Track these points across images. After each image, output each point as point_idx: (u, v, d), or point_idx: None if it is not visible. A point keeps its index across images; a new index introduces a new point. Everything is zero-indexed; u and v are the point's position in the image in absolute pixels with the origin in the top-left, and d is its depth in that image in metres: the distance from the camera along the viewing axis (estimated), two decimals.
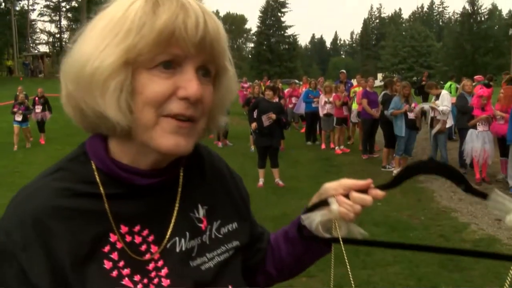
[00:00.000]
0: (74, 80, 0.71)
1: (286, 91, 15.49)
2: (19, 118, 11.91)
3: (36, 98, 13.00)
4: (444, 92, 8.91)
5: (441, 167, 0.81)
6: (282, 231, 1.02)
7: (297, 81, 20.11)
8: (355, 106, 11.29)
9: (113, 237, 0.73)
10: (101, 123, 0.72)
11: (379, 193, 0.84)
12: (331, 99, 11.11)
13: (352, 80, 14.83)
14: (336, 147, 11.21)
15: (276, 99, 8.40)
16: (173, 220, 0.80)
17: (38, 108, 12.81)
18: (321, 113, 11.43)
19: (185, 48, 0.69)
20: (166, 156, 0.75)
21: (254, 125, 7.62)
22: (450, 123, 8.58)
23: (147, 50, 0.67)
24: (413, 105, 8.51)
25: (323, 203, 0.87)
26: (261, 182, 7.69)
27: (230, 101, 0.83)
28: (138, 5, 0.69)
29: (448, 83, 14.03)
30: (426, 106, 8.66)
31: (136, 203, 0.77)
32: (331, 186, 0.88)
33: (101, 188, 0.74)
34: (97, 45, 0.69)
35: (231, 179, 0.96)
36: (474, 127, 7.82)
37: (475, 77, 13.01)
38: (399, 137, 8.57)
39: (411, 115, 8.48)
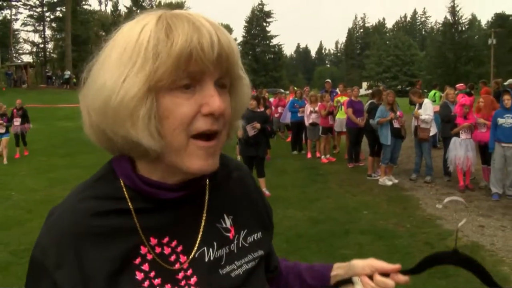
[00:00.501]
0: (99, 112, 0.72)
1: (272, 100, 15.53)
2: (2, 130, 11.49)
3: (15, 110, 12.26)
4: (426, 101, 9.01)
5: (466, 261, 0.84)
6: (295, 266, 1.05)
7: (282, 90, 20.23)
8: (339, 115, 11.36)
9: (143, 249, 0.76)
10: (131, 148, 0.74)
11: (401, 278, 0.89)
12: (316, 108, 11.17)
13: (337, 89, 14.95)
14: (322, 156, 11.25)
15: (261, 109, 8.40)
16: (200, 231, 0.82)
17: (17, 121, 12.16)
18: (306, 123, 11.45)
19: (204, 66, 0.70)
20: (196, 175, 0.77)
21: (240, 132, 7.59)
22: (434, 131, 8.66)
23: (167, 75, 0.68)
24: (398, 113, 8.58)
25: (348, 281, 0.93)
26: None
27: (246, 106, 0.86)
28: (150, 29, 0.70)
29: (432, 92, 14.26)
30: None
31: (164, 216, 0.79)
32: (359, 265, 0.93)
33: (129, 204, 0.77)
34: (117, 76, 0.69)
35: (255, 190, 0.98)
36: (457, 135, 7.94)
37: (457, 85, 13.19)
38: (385, 146, 8.60)
39: (396, 124, 8.56)
